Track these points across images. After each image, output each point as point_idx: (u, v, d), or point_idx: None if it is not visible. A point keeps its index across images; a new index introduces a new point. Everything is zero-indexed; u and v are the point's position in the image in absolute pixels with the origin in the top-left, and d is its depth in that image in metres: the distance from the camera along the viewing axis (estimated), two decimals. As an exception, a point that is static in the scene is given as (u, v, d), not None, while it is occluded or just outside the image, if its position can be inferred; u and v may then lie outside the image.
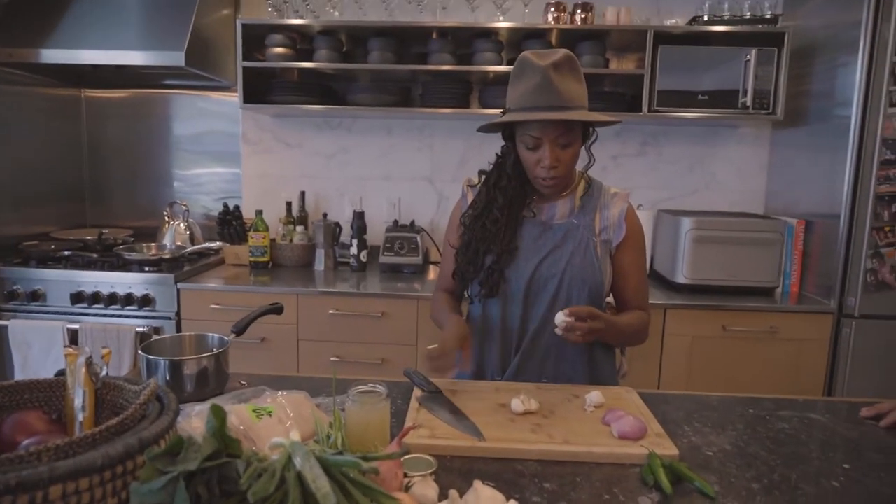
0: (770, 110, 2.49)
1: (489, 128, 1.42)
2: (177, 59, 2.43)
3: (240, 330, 1.35)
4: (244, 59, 2.56)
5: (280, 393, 1.12)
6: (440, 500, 0.86)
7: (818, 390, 2.31)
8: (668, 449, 1.06)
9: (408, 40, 2.70)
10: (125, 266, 2.45)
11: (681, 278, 2.43)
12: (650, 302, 1.56)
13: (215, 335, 1.33)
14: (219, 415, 0.72)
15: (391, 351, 2.37)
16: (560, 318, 1.25)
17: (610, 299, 1.53)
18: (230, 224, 2.74)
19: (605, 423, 1.15)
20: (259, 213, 2.70)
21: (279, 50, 2.60)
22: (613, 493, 0.94)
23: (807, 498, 0.95)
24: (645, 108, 2.49)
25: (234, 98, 2.78)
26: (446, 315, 1.44)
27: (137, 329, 2.30)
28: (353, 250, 2.68)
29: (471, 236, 1.43)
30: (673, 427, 1.18)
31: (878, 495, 0.97)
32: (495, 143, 1.52)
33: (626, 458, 1.04)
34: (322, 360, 2.36)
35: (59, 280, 2.39)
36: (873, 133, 2.20)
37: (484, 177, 1.47)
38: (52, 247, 2.61)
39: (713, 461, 1.06)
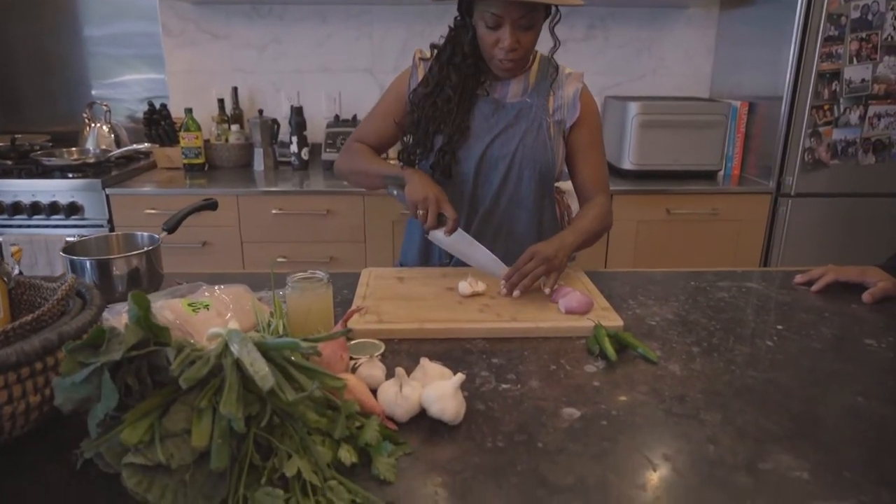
0: (719, -14, 2.41)
1: None
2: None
3: (171, 227, 1.27)
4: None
5: (218, 287, 1.08)
6: (387, 379, 0.85)
7: (755, 266, 2.41)
8: (614, 321, 1.08)
9: (337, -88, 2.46)
10: (46, 173, 2.28)
11: (627, 164, 2.44)
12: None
13: (145, 234, 1.25)
14: (141, 302, 0.67)
15: (339, 249, 2.33)
16: (503, 288, 1.19)
17: (569, 187, 1.50)
18: (158, 124, 2.57)
19: (552, 300, 1.15)
20: (189, 111, 2.52)
21: (193, -76, 2.33)
22: (560, 364, 0.96)
23: (743, 357, 0.99)
24: (592, -15, 2.38)
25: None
26: (384, 165, 1.39)
27: (67, 239, 2.16)
28: (294, 148, 2.57)
29: (420, 115, 1.35)
30: (618, 301, 1.20)
31: (808, 349, 1.02)
32: (440, 29, 1.41)
33: (573, 330, 1.05)
34: (268, 262, 2.31)
35: (-28, 190, 2.21)
36: (819, 8, 2.17)
37: (436, 51, 1.37)
38: (-40, 155, 2.40)
39: (656, 330, 1.09)
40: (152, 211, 2.23)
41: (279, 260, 2.30)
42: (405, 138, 1.41)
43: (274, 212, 2.28)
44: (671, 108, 2.43)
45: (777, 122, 2.33)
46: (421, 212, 1.23)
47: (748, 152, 2.56)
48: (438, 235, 1.25)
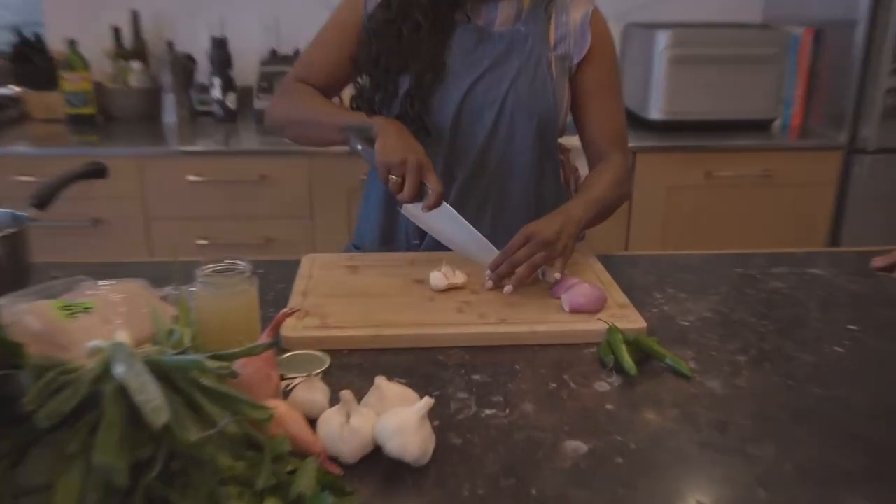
0: None
1: None
2: None
3: (42, 201, 1.24)
4: None
5: (105, 283, 1.05)
6: (332, 405, 0.83)
7: (821, 246, 2.43)
8: (634, 322, 1.07)
9: None
10: None
11: (655, 113, 2.45)
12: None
13: (6, 211, 1.22)
14: (-18, 310, 0.64)
15: (277, 227, 2.34)
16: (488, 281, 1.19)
17: (576, 143, 1.48)
18: (30, 61, 2.55)
19: (553, 295, 1.15)
20: (72, 44, 2.50)
21: None
22: (562, 381, 0.95)
23: (805, 368, 0.99)
24: None
25: None
26: (341, 111, 1.37)
27: None
28: (216, 93, 2.58)
29: (380, 48, 1.33)
30: (641, 295, 1.19)
31: (891, 357, 1.03)
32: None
33: (580, 335, 1.05)
34: (185, 246, 2.30)
35: None
36: None
37: None
38: None
39: (690, 333, 1.08)
40: (25, 178, 2.19)
41: (199, 243, 2.30)
42: (359, 79, 1.39)
43: (190, 178, 2.27)
44: (712, 39, 2.45)
45: (851, 56, 2.34)
46: (395, 178, 1.18)
47: (813, 95, 2.57)
48: (414, 210, 1.22)
